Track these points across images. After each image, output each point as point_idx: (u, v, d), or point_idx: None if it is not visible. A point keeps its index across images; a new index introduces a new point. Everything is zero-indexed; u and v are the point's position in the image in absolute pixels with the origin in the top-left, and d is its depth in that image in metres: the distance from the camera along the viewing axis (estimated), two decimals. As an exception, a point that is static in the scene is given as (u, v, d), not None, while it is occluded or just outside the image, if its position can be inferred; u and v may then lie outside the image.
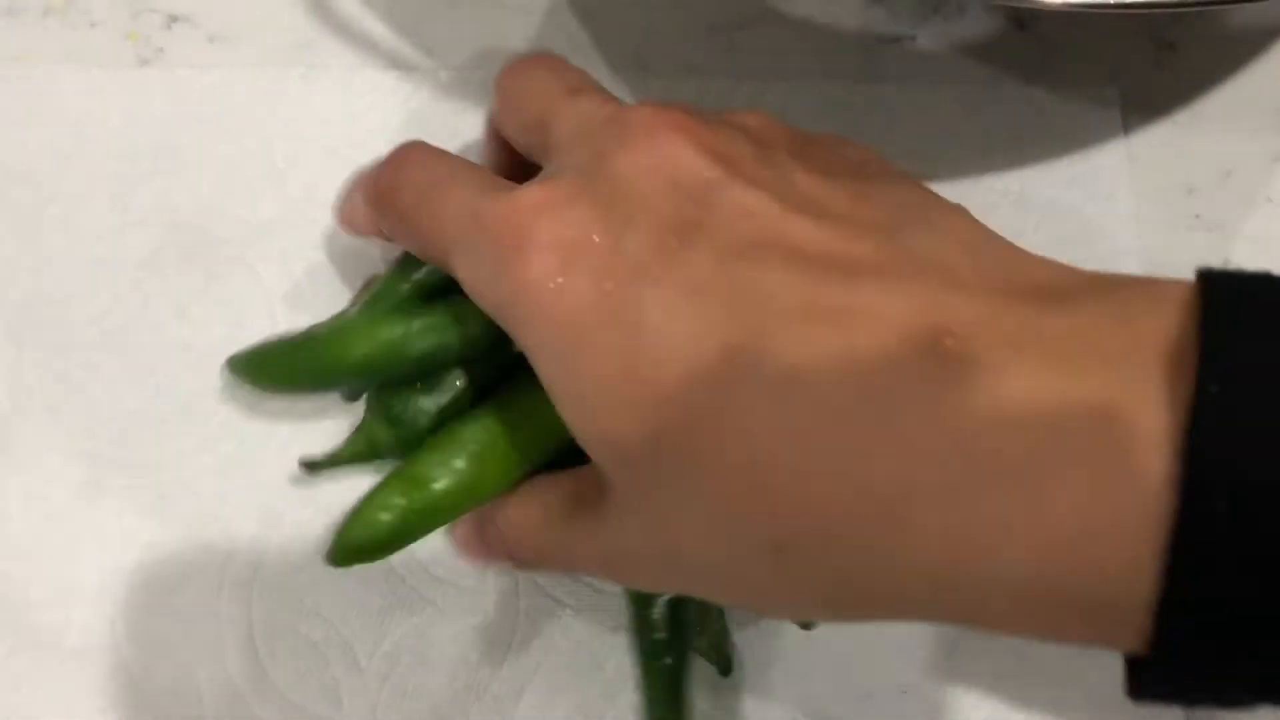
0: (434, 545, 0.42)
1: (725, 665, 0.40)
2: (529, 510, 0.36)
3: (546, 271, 0.30)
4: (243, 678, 0.41)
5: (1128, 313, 0.27)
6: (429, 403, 0.38)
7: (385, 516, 0.36)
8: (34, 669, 0.41)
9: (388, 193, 0.37)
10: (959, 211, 0.33)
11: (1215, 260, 0.47)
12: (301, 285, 0.45)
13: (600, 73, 0.48)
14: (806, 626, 0.41)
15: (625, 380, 0.30)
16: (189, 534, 0.42)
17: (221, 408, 0.44)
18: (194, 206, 0.46)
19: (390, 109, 0.47)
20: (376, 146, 0.46)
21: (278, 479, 0.43)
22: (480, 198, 0.33)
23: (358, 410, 0.40)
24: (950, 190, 0.46)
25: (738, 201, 0.31)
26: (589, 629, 0.42)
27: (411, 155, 0.37)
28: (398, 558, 0.42)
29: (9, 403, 0.44)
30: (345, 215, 0.40)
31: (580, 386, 0.30)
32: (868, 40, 0.49)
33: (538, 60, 0.38)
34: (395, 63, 0.48)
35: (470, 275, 0.33)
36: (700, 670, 0.40)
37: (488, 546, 0.37)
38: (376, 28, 0.48)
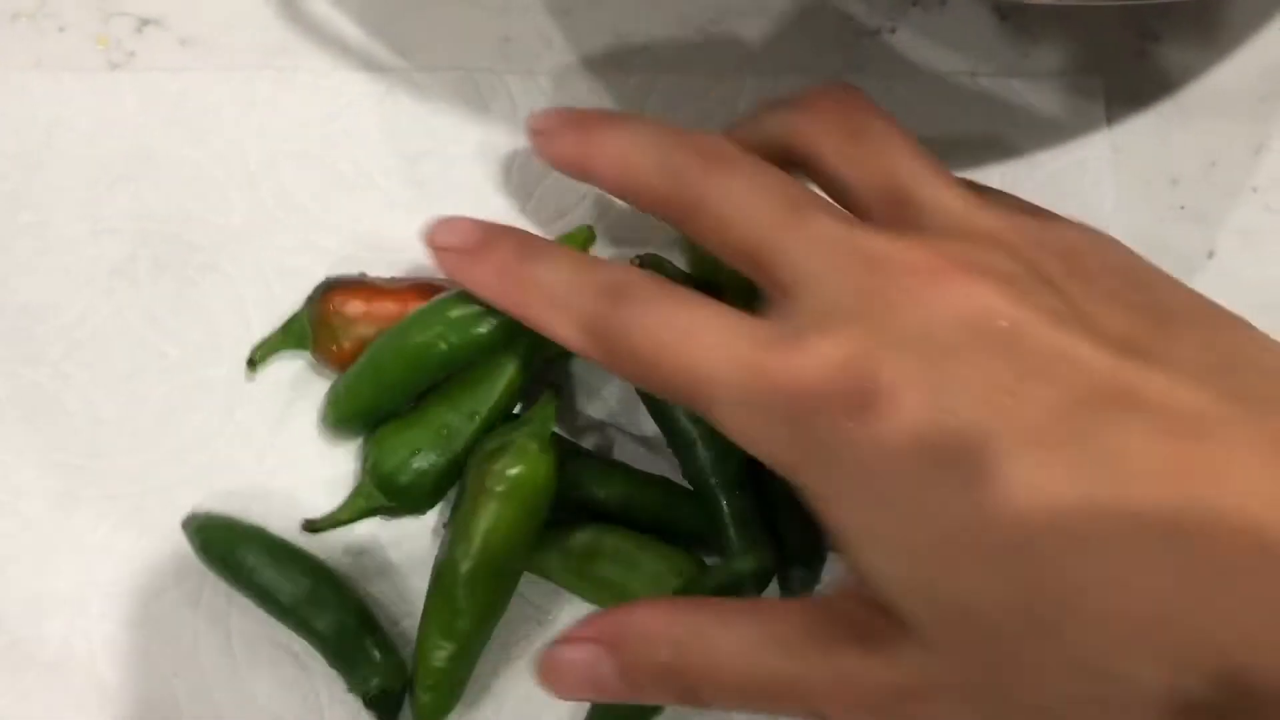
0: (410, 561, 0.42)
1: None
2: (736, 637, 0.33)
3: (859, 429, 0.30)
4: (221, 690, 0.41)
5: None
6: (423, 464, 0.40)
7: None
8: (11, 682, 0.41)
9: (612, 333, 0.35)
10: (1258, 335, 0.33)
11: (1201, 250, 0.47)
12: (276, 290, 0.45)
13: (574, 71, 0.48)
14: None
15: (968, 532, 0.29)
16: (165, 545, 0.42)
17: (196, 416, 0.43)
18: (166, 212, 0.46)
19: (364, 111, 0.47)
20: (350, 149, 0.46)
21: (254, 488, 0.43)
22: (756, 351, 0.32)
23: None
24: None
25: (1053, 347, 0.30)
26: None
27: (636, 289, 0.35)
28: (376, 572, 0.42)
29: (-18, 414, 0.44)
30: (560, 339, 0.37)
31: (907, 537, 0.30)
32: (847, 33, 0.49)
33: (732, 166, 0.36)
34: (368, 64, 0.48)
35: (747, 428, 0.33)
36: None
37: (613, 679, 0.35)
38: (349, 29, 0.48)
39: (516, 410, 0.42)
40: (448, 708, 0.40)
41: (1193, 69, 0.49)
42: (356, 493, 0.41)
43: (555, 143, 0.40)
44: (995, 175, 0.47)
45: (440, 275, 0.40)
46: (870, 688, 0.31)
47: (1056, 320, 0.31)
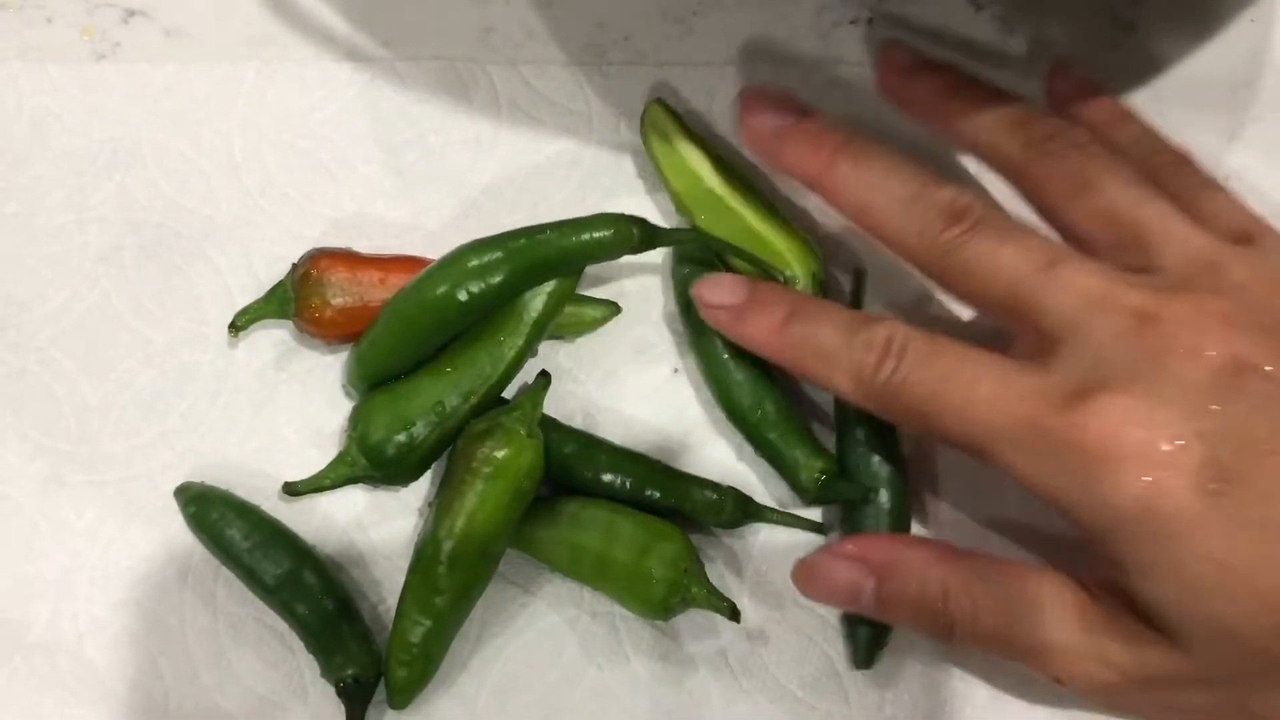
0: (394, 542, 0.43)
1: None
2: (1004, 597, 0.37)
3: (1147, 479, 0.34)
4: (207, 669, 0.42)
5: None
6: (412, 439, 0.41)
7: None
8: (-2, 665, 0.42)
9: (890, 389, 0.38)
10: None
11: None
12: (261, 278, 0.45)
13: (557, 62, 0.48)
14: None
15: (1243, 570, 0.33)
16: (152, 528, 0.43)
17: (181, 402, 0.44)
18: (152, 202, 0.46)
19: (347, 101, 0.48)
20: (333, 139, 0.47)
21: (238, 472, 0.44)
22: (1039, 406, 0.36)
23: (323, 416, 0.41)
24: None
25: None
26: (550, 616, 0.42)
27: (907, 347, 0.38)
28: (360, 553, 0.43)
29: (-30, 401, 0.44)
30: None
31: (1185, 571, 0.34)
32: (824, 23, 0.50)
33: (978, 227, 0.39)
34: (352, 54, 0.49)
35: (1034, 473, 0.36)
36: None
37: (869, 600, 0.39)
38: (333, 20, 0.49)
39: (507, 394, 0.43)
40: (421, 684, 0.40)
41: (1166, 58, 0.50)
42: (340, 459, 0.42)
43: (789, 150, 0.43)
44: (970, 163, 0.48)
45: (421, 250, 0.41)
46: (1122, 671, 0.36)
47: None
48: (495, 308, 0.42)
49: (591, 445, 0.43)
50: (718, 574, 0.43)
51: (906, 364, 0.38)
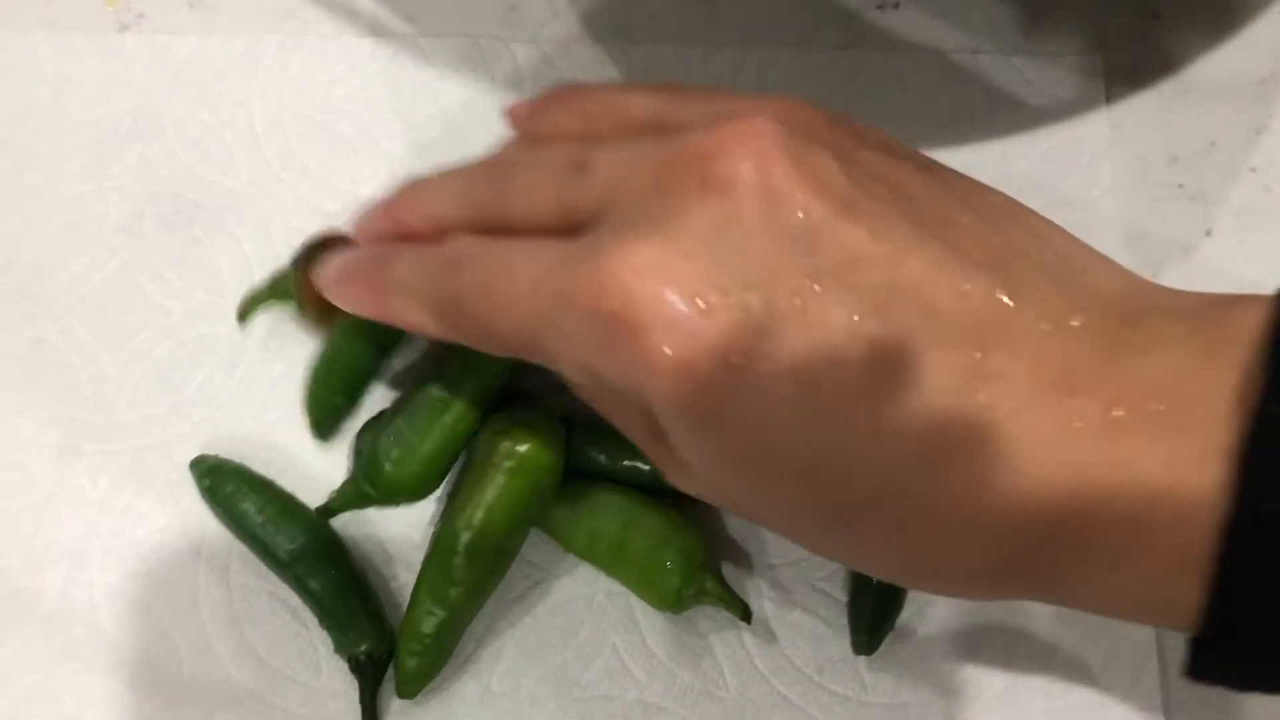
0: (410, 521, 0.43)
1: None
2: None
3: (668, 350, 0.29)
4: (220, 641, 0.42)
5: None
6: (420, 466, 0.41)
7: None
8: (10, 634, 0.42)
9: (451, 306, 0.34)
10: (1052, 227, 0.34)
11: (1198, 229, 0.48)
12: (279, 250, 0.46)
13: (580, 42, 0.49)
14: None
15: (772, 452, 0.30)
16: (167, 498, 0.43)
17: (198, 374, 0.45)
18: (172, 172, 0.47)
19: (369, 76, 0.48)
20: (354, 113, 0.47)
21: (254, 445, 0.44)
22: (558, 270, 0.31)
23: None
24: (933, 157, 0.47)
25: (850, 246, 0.29)
26: (565, 594, 0.43)
27: (463, 251, 0.35)
28: (384, 529, 0.43)
29: (-15, 369, 0.45)
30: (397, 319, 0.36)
31: (723, 448, 0.30)
32: (850, 7, 0.50)
33: (514, 165, 0.36)
34: (374, 29, 0.49)
35: (573, 358, 0.31)
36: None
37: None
38: (356, -6, 0.49)
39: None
40: (431, 674, 0.41)
41: (1193, 49, 0.50)
42: (349, 487, 0.42)
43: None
44: (995, 150, 0.48)
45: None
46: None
47: (853, 216, 0.30)
48: None
49: (613, 432, 0.43)
50: (732, 570, 0.43)
51: (462, 269, 0.34)
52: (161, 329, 0.45)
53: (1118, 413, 0.28)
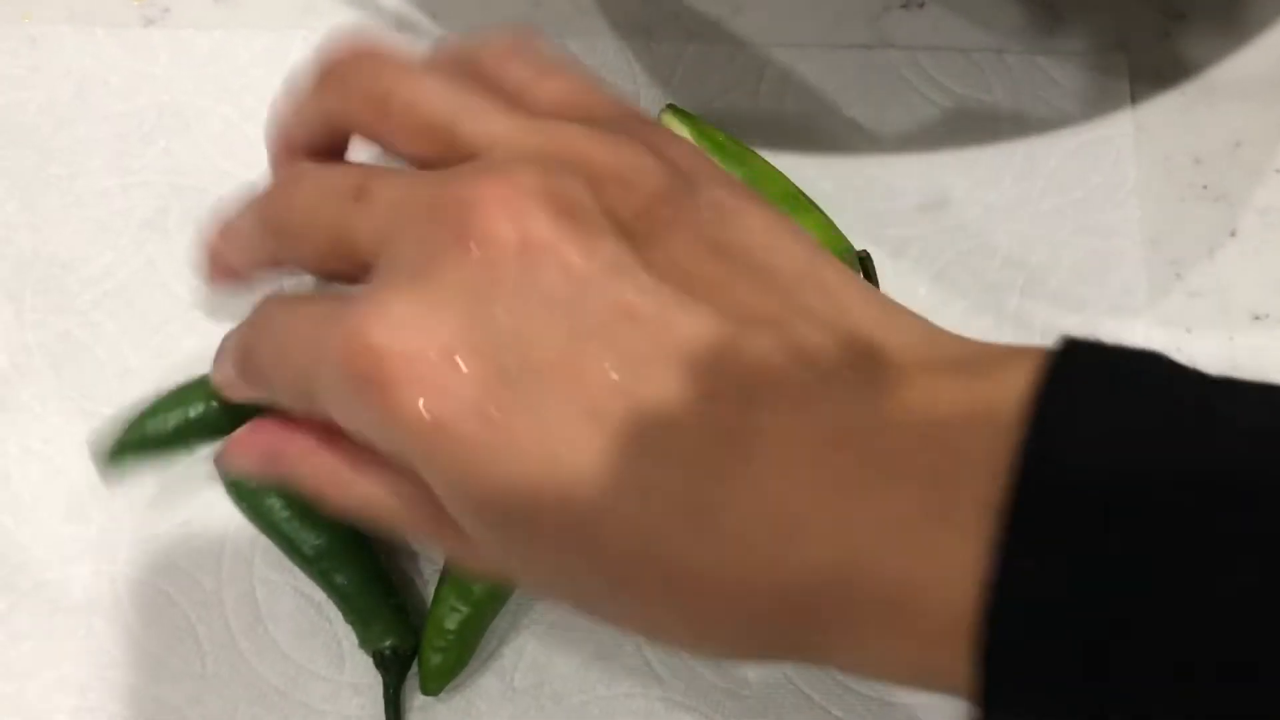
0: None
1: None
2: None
3: (422, 401, 0.28)
4: (244, 636, 0.42)
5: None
6: None
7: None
8: (35, 625, 0.42)
9: (246, 357, 0.35)
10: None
11: (1223, 229, 0.48)
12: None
13: (604, 38, 0.49)
14: None
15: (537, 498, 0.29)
16: (190, 492, 0.44)
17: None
18: (196, 167, 0.47)
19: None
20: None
21: (279, 439, 0.44)
22: (327, 327, 0.30)
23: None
24: (956, 158, 0.47)
25: (612, 305, 0.29)
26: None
27: (263, 309, 0.35)
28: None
29: (9, 362, 0.45)
30: (221, 385, 0.37)
31: (485, 498, 0.29)
32: (875, 5, 0.50)
33: (283, 190, 0.35)
34: (399, 25, 0.49)
35: (348, 419, 0.31)
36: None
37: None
38: (381, -10, 0.50)
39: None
40: (455, 670, 0.41)
41: (1218, 49, 0.51)
42: None
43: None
44: (1019, 150, 0.48)
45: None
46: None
47: (617, 273, 0.29)
48: None
49: None
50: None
51: (258, 325, 0.34)
52: (186, 324, 0.45)
53: (885, 469, 0.27)
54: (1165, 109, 0.49)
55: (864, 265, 0.45)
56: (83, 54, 0.49)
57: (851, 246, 0.45)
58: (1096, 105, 0.49)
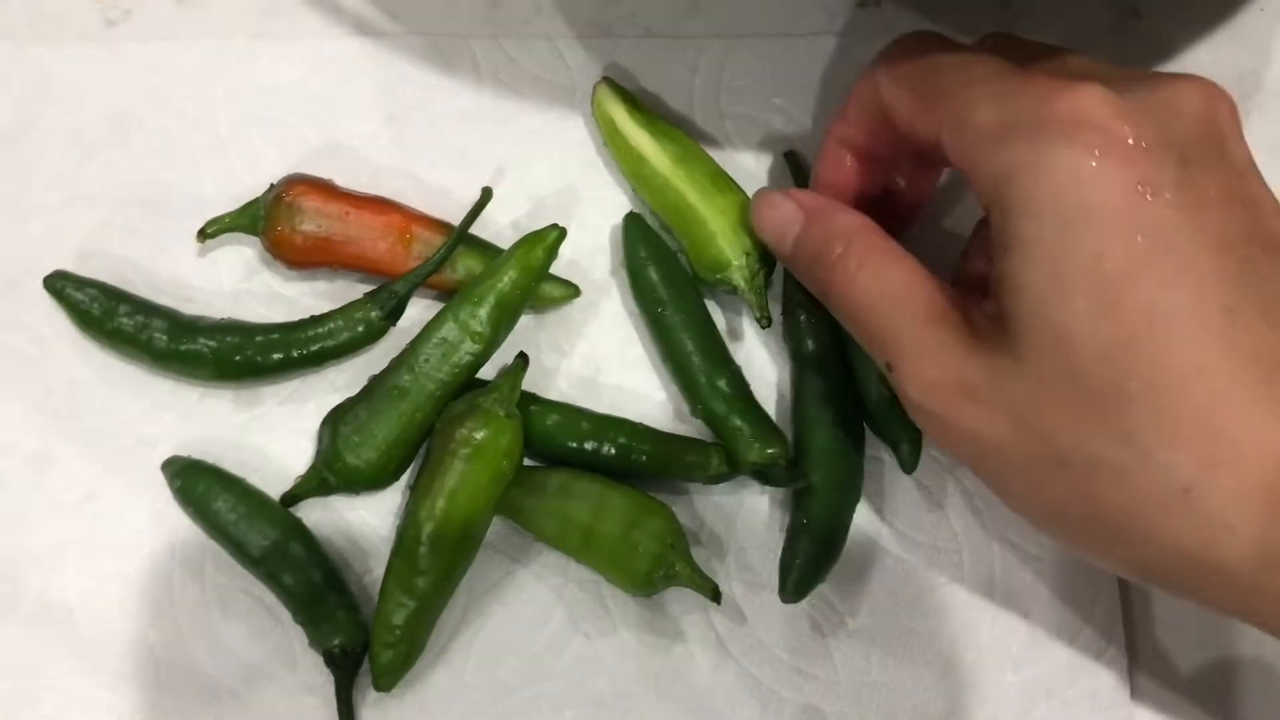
0: (379, 515, 0.45)
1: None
2: (887, 278, 0.39)
3: (1095, 154, 0.34)
4: (196, 639, 0.44)
5: None
6: (382, 456, 0.43)
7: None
8: (-13, 637, 0.44)
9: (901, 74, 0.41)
10: None
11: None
12: (250, 259, 0.48)
13: (563, 36, 0.50)
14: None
15: (1128, 286, 0.33)
16: (141, 501, 0.45)
17: (168, 379, 0.46)
18: (139, 180, 0.48)
19: (354, 73, 0.50)
20: (336, 111, 0.49)
21: (225, 445, 0.46)
22: (1005, 80, 0.37)
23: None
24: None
25: (1238, 187, 0.36)
26: (536, 585, 0.45)
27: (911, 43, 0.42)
28: (356, 523, 0.45)
29: (-42, 379, 0.47)
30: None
31: (1078, 265, 0.34)
32: (833, 2, 0.51)
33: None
34: (360, 27, 0.50)
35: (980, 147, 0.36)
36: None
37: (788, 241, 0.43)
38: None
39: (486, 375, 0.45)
40: (406, 666, 0.43)
41: (1172, 44, 0.52)
42: (310, 474, 0.44)
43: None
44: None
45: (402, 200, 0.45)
46: (943, 369, 0.37)
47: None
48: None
49: (574, 414, 0.45)
50: (702, 552, 0.45)
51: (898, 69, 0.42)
52: (132, 334, 0.46)
53: None
54: (1117, 102, 0.50)
55: (790, 161, 0.48)
56: (28, 68, 0.49)
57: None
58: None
